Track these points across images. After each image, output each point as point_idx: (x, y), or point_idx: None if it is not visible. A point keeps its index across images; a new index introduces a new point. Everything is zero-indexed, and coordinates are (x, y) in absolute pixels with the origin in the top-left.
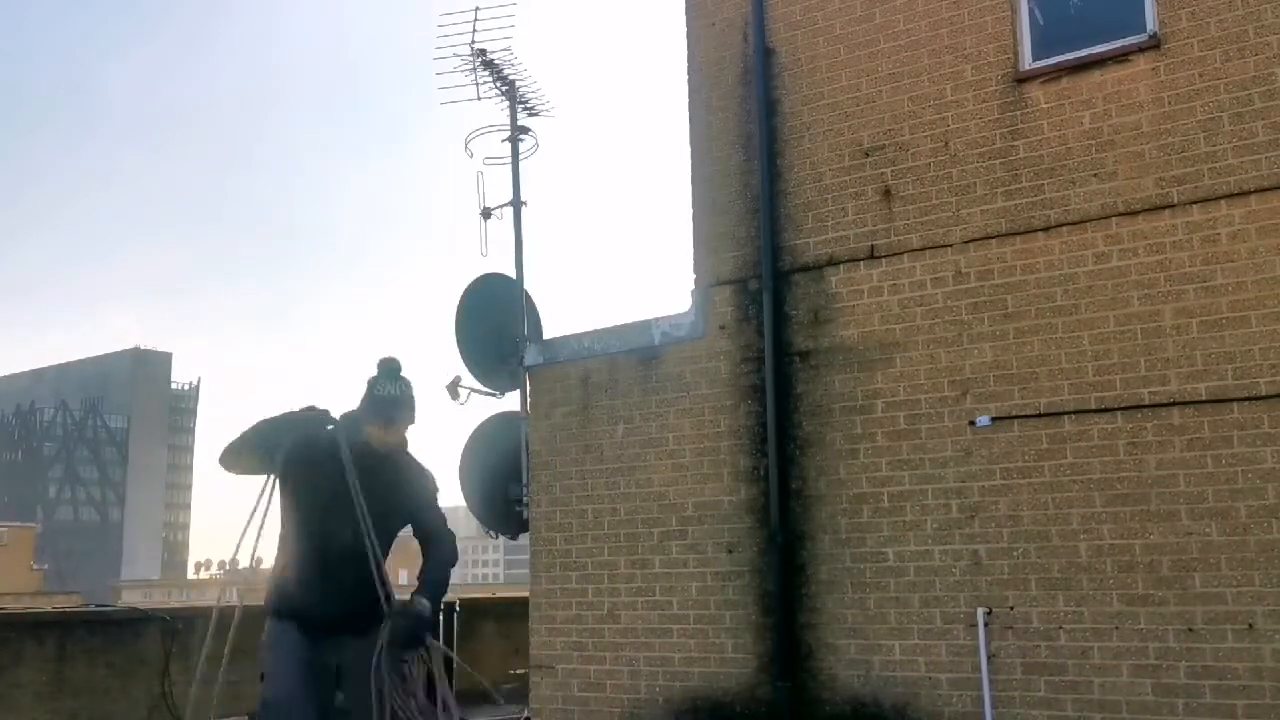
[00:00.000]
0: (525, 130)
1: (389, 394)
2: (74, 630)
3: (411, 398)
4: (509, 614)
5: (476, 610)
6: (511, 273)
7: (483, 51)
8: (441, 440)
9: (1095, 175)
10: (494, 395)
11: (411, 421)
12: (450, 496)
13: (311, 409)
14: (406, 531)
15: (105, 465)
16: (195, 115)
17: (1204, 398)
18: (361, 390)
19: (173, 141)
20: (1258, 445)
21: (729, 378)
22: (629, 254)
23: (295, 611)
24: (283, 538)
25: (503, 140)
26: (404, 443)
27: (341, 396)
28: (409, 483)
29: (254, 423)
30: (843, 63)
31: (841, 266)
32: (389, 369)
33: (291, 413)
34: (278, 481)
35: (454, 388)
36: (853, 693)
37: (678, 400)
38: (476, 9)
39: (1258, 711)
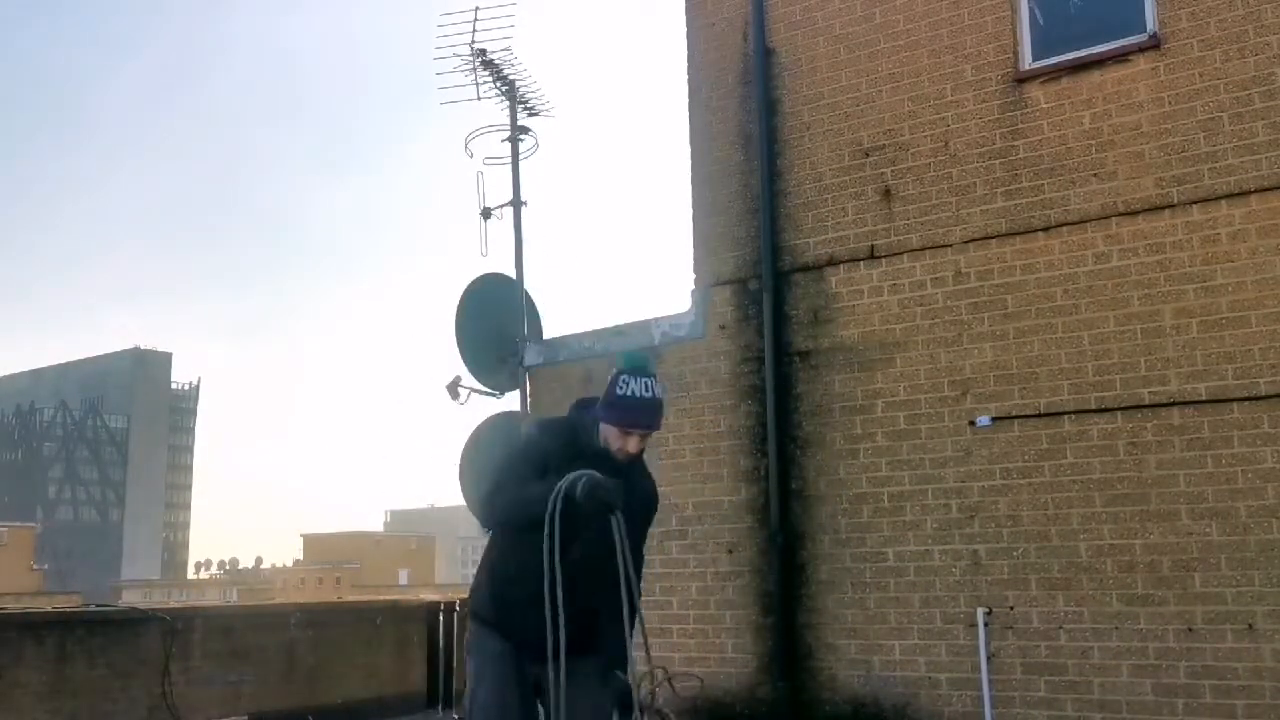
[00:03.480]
0: (525, 130)
1: (631, 393)
2: (74, 630)
3: (660, 401)
4: None
5: None
6: (511, 273)
7: (483, 51)
8: (441, 440)
9: (1095, 175)
10: (494, 395)
11: (655, 428)
12: (450, 497)
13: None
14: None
15: (105, 465)
16: (193, 116)
17: (1204, 398)
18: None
19: (171, 143)
20: (1258, 445)
21: (729, 378)
22: (629, 254)
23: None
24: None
25: (503, 140)
26: (639, 453)
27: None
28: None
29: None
30: (843, 63)
31: (841, 266)
32: (635, 362)
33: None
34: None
35: (454, 388)
36: (853, 693)
37: (678, 400)
38: (476, 9)
39: (1258, 711)
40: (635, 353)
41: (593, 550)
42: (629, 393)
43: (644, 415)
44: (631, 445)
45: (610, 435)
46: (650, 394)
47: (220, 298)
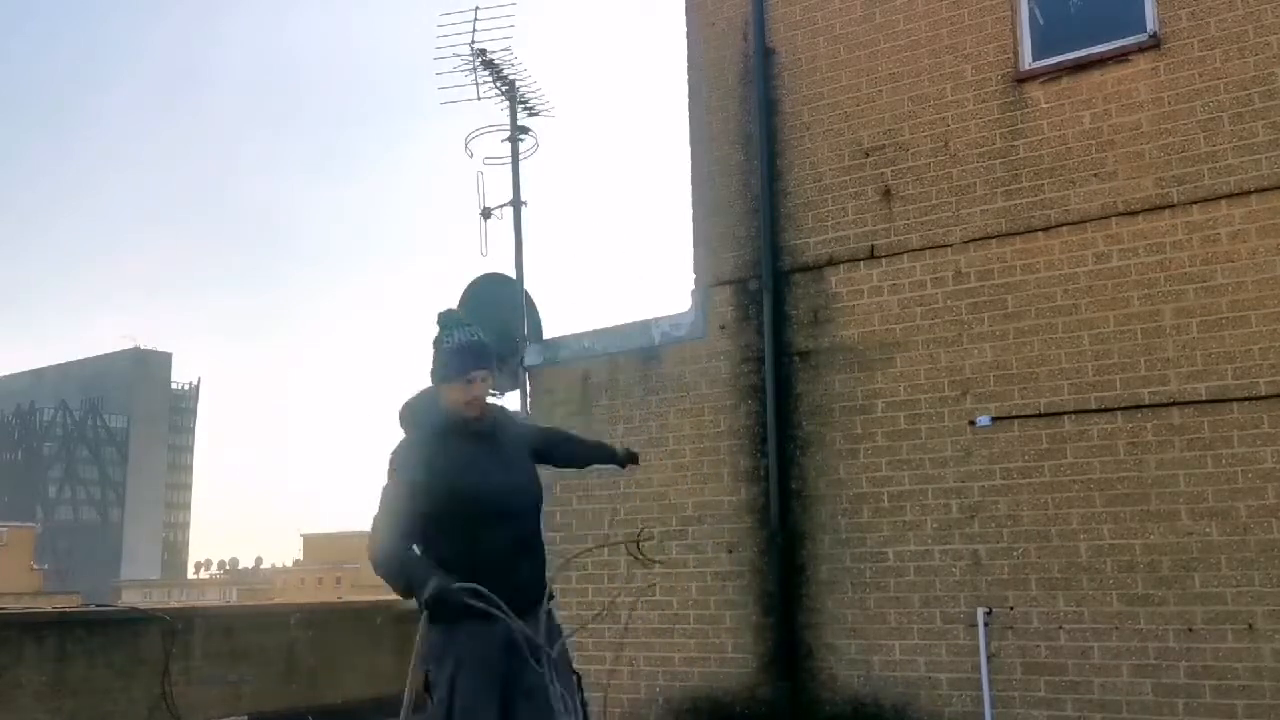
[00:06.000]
0: (525, 130)
1: (456, 341)
2: (74, 630)
3: (485, 342)
4: None
5: None
6: (511, 273)
7: (483, 51)
8: None
9: (1095, 175)
10: (494, 395)
11: (490, 367)
12: None
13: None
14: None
15: (105, 465)
16: (192, 116)
17: (1204, 398)
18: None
19: (171, 143)
20: (1258, 445)
21: (729, 378)
22: (629, 254)
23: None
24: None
25: (503, 140)
26: (488, 403)
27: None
28: (520, 442)
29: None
30: (843, 63)
31: (841, 266)
32: (450, 316)
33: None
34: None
35: None
36: (853, 693)
37: (678, 400)
38: (476, 9)
39: (1258, 711)
40: (443, 311)
41: (517, 527)
42: (454, 343)
43: (477, 355)
44: (478, 391)
45: (455, 394)
46: (475, 337)
47: (220, 297)
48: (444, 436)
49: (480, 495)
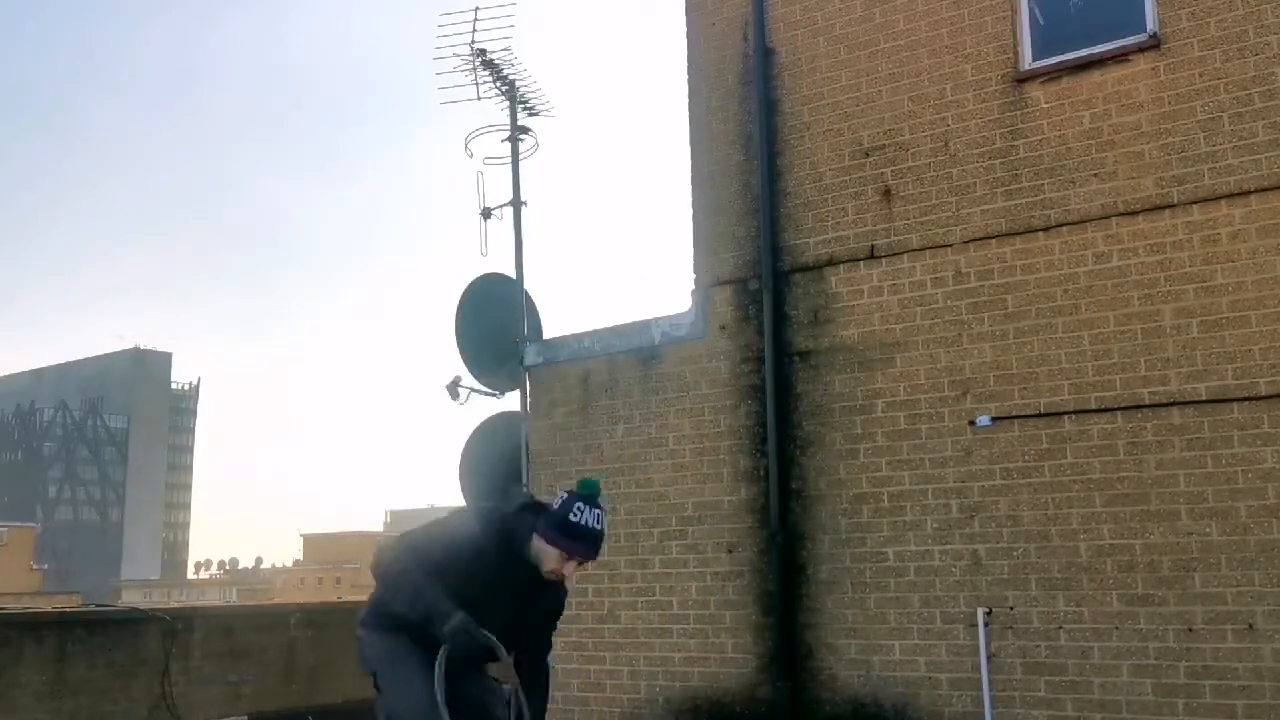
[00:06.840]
0: (525, 130)
1: (584, 523)
2: (74, 630)
3: (604, 534)
4: None
5: None
6: (511, 273)
7: (483, 51)
8: (441, 440)
9: (1095, 175)
10: (494, 395)
11: (594, 559)
12: (450, 497)
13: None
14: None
15: (105, 465)
16: (192, 115)
17: (1204, 398)
18: (554, 498)
19: (170, 142)
20: (1258, 445)
21: (729, 378)
22: (629, 254)
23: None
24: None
25: (503, 140)
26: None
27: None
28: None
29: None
30: (843, 62)
31: (841, 266)
32: (591, 490)
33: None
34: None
35: (454, 388)
36: (853, 693)
37: (678, 400)
38: (476, 9)
39: (1258, 711)
40: (591, 480)
41: (506, 620)
42: (582, 522)
43: (590, 547)
44: (568, 571)
45: (548, 556)
46: (600, 526)
47: (220, 297)
48: (502, 556)
49: (473, 634)
